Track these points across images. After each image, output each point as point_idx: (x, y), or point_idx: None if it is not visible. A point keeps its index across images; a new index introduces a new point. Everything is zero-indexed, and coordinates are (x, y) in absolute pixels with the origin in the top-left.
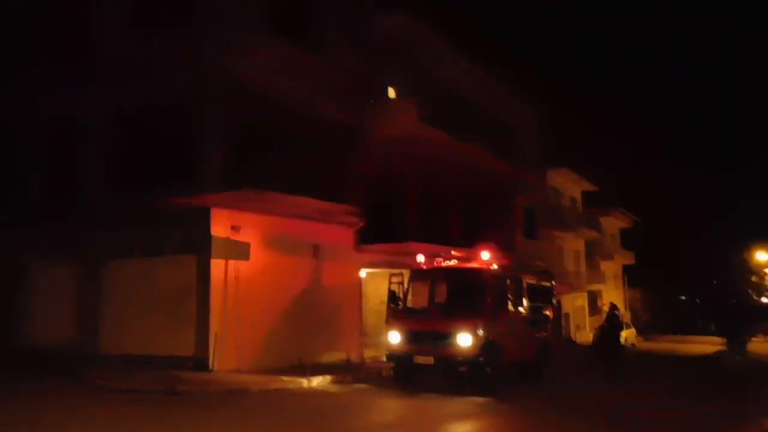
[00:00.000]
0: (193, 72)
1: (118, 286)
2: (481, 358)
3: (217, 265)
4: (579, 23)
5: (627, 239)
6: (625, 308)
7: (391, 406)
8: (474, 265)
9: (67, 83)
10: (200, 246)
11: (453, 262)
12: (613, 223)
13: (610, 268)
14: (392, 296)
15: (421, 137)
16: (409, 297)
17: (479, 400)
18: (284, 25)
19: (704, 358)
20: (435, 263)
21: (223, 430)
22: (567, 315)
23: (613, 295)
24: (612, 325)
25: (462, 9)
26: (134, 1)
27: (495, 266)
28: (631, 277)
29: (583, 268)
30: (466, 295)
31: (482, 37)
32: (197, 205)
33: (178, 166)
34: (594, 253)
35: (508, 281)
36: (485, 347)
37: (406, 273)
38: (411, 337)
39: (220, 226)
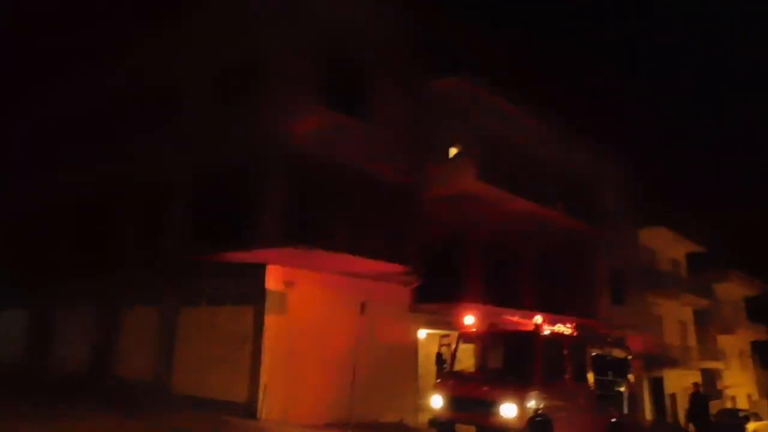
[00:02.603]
0: (255, 138)
1: (189, 332)
2: None
3: (271, 318)
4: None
5: (758, 310)
6: (759, 394)
7: None
8: (527, 328)
9: (153, 153)
10: (256, 298)
11: (512, 325)
12: (734, 290)
13: (733, 343)
14: (439, 359)
15: (480, 195)
16: (457, 360)
17: None
18: (339, 92)
19: None
20: (489, 326)
21: None
22: (673, 395)
23: (738, 375)
24: (697, 402)
25: (523, 59)
26: (209, 80)
27: (548, 331)
28: (763, 355)
29: (692, 341)
30: (515, 362)
31: (549, 89)
32: (255, 261)
33: (241, 223)
34: (707, 324)
35: (567, 349)
36: (534, 421)
37: (456, 335)
38: (454, 403)
39: (274, 281)
